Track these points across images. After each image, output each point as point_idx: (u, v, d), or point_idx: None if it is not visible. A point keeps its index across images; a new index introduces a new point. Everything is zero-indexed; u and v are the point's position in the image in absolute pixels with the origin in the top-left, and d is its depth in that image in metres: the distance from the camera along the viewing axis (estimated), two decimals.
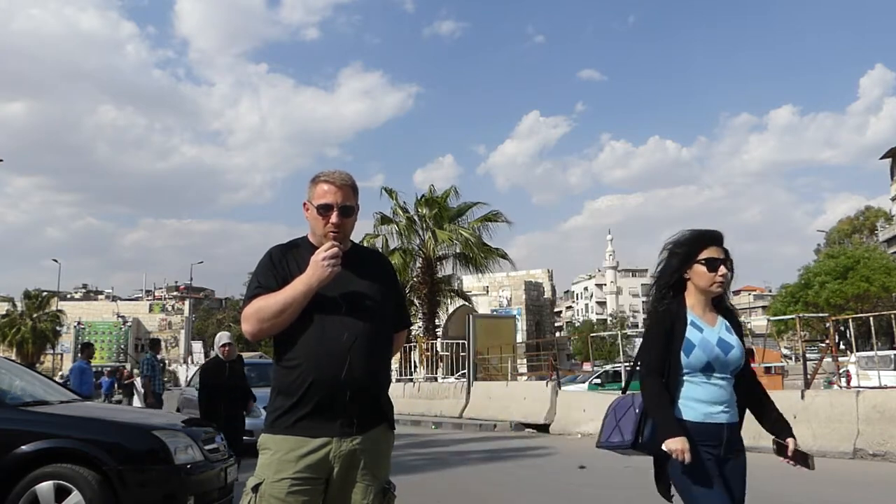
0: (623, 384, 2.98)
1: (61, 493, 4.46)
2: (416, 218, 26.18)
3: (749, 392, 2.74)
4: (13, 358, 37.51)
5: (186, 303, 78.24)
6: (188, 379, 19.11)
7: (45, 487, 4.47)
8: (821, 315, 27.77)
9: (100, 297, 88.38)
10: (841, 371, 14.83)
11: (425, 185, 56.08)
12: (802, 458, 2.63)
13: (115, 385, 22.29)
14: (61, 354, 65.00)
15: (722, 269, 2.67)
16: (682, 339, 2.61)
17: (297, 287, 2.19)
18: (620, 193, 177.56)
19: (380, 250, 22.51)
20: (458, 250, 25.77)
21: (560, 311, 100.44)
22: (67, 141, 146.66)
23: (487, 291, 54.36)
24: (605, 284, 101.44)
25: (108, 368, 29.05)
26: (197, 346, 71.70)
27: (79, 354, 14.28)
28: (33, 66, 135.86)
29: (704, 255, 2.67)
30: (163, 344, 48.61)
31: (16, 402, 5.29)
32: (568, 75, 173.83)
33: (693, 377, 2.61)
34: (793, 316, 24.27)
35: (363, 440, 2.21)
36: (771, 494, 6.47)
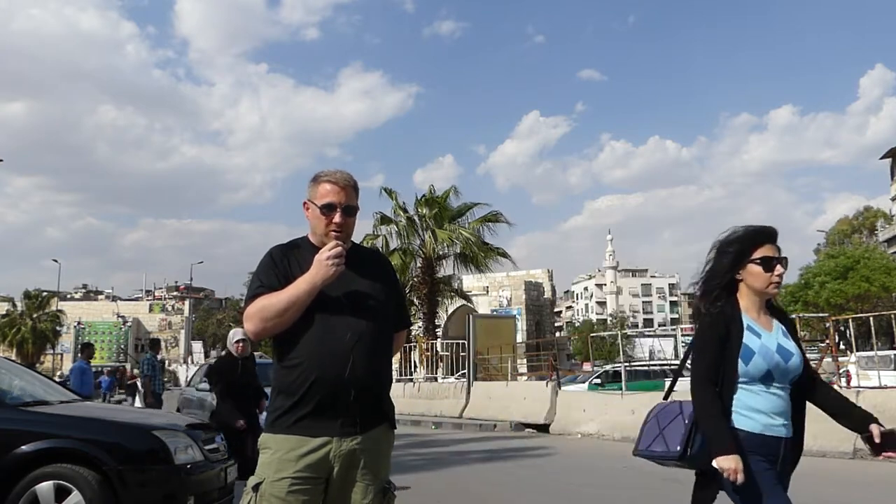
0: (666, 389, 2.78)
1: (61, 493, 4.45)
2: (415, 218, 26.17)
3: (824, 396, 2.56)
4: (13, 358, 37.51)
5: (186, 303, 78.33)
6: (188, 379, 19.10)
7: (45, 487, 4.46)
8: (821, 315, 27.78)
9: (100, 297, 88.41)
10: (841, 371, 14.81)
11: (425, 185, 56.23)
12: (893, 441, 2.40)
13: (117, 385, 22.30)
14: (61, 354, 65.03)
15: (779, 269, 2.50)
16: (738, 345, 2.43)
17: (301, 286, 2.19)
18: (620, 193, 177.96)
19: (380, 250, 22.51)
20: (458, 250, 25.78)
21: (560, 311, 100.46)
22: (67, 141, 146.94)
23: (487, 291, 54.39)
24: (605, 284, 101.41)
25: (108, 368, 29.05)
26: (197, 346, 71.81)
27: (79, 354, 14.28)
28: (33, 66, 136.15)
29: (759, 253, 2.49)
30: (163, 344, 48.68)
31: (16, 402, 5.29)
32: (568, 75, 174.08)
33: (750, 386, 2.43)
34: (793, 316, 24.17)
35: (363, 440, 2.21)
36: None
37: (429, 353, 23.00)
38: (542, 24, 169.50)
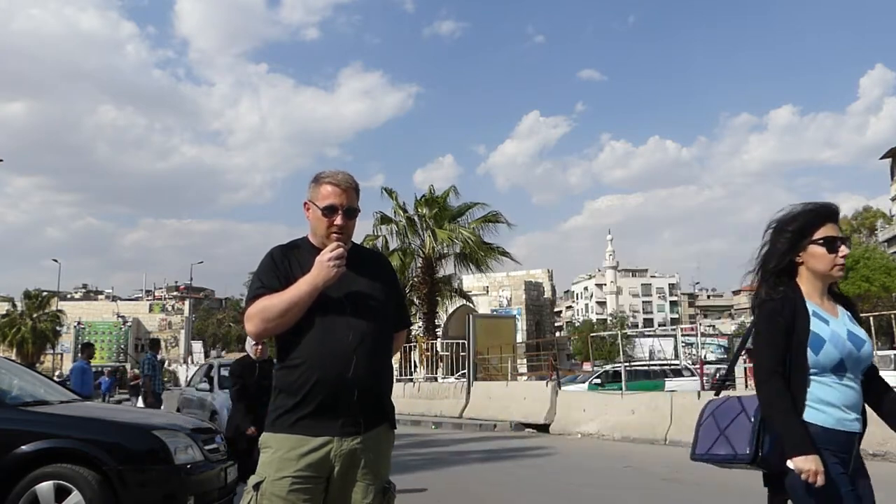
0: (717, 384, 2.62)
1: (61, 493, 4.45)
2: (415, 218, 26.18)
3: (880, 393, 2.36)
4: (13, 358, 37.51)
5: (186, 303, 78.27)
6: (188, 379, 19.10)
7: (45, 487, 4.46)
8: None
9: (100, 297, 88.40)
10: None
11: (425, 185, 56.20)
12: None
13: (117, 385, 22.32)
14: (61, 354, 64.99)
15: (843, 250, 2.30)
16: (806, 333, 2.22)
17: (302, 287, 2.20)
18: (620, 193, 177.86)
19: (380, 251, 22.53)
20: (457, 250, 25.78)
21: (560, 311, 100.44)
22: (67, 141, 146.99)
23: (487, 291, 54.36)
24: (605, 284, 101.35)
25: (108, 368, 29.07)
26: (197, 346, 71.75)
27: (79, 354, 14.29)
28: (33, 66, 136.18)
29: (821, 233, 2.29)
30: (163, 344, 48.68)
31: (16, 402, 5.29)
32: (568, 75, 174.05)
33: (822, 377, 2.23)
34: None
35: (364, 439, 2.22)
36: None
37: (429, 353, 23.00)
38: (542, 24, 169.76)
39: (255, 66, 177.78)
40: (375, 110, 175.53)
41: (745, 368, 19.02)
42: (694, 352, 24.27)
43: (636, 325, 77.85)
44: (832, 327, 2.25)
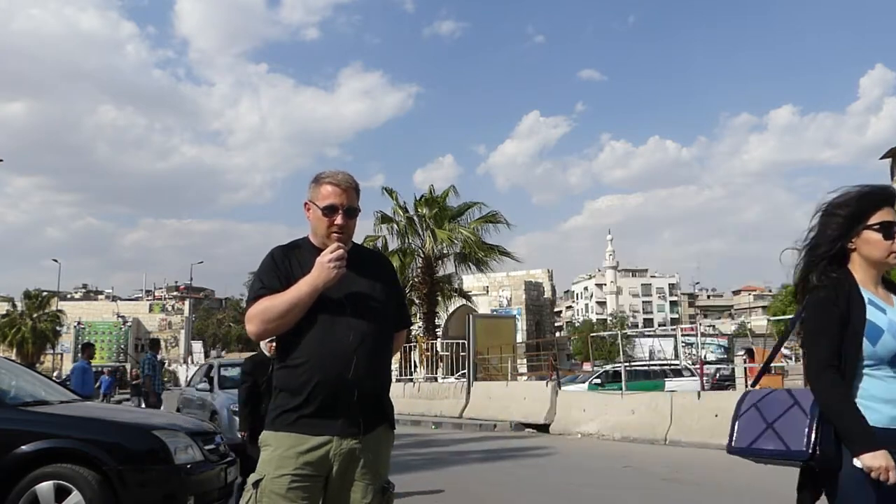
0: (754, 376, 2.35)
1: (61, 493, 4.45)
2: (415, 218, 26.20)
3: None
4: (13, 358, 37.52)
5: (186, 303, 78.28)
6: (188, 379, 19.10)
7: (45, 487, 4.46)
8: None
9: (100, 297, 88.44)
10: None
11: (425, 185, 56.15)
12: None
13: (116, 385, 22.31)
14: (61, 354, 64.98)
15: None
16: (862, 322, 2.07)
17: (303, 288, 2.21)
18: (620, 193, 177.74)
19: (381, 251, 22.53)
20: (457, 250, 25.79)
21: (560, 311, 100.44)
22: (67, 141, 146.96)
23: (487, 291, 54.36)
24: (605, 284, 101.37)
25: (108, 368, 29.05)
26: (197, 346, 71.74)
27: (79, 354, 14.30)
28: (33, 66, 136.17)
29: (877, 218, 2.14)
30: (163, 344, 48.67)
31: (16, 402, 5.30)
32: (568, 75, 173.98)
33: (877, 370, 2.08)
34: (793, 316, 24.21)
35: (363, 439, 2.23)
36: (769, 493, 6.46)
37: (429, 353, 23.01)
38: (542, 24, 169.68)
39: (255, 66, 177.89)
40: (375, 110, 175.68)
41: (746, 369, 19.04)
42: (694, 352, 24.25)
43: (636, 325, 77.82)
44: (889, 316, 2.11)
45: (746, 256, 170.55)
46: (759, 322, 54.41)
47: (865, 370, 2.08)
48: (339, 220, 2.30)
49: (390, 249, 25.65)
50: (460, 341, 21.48)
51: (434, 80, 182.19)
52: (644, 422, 11.85)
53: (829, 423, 2.04)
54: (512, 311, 48.93)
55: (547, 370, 16.76)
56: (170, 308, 77.86)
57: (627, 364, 19.65)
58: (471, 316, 20.59)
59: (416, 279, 26.14)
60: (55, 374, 45.12)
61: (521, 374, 20.95)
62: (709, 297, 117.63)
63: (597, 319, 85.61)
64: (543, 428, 13.78)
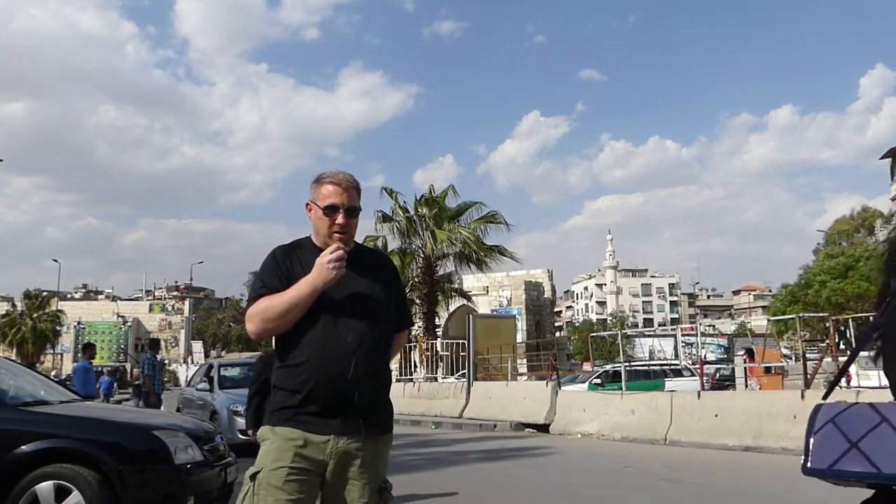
0: (828, 387, 2.13)
1: (61, 493, 4.45)
2: (415, 218, 26.21)
3: None
4: (13, 358, 37.52)
5: (186, 303, 78.28)
6: (188, 379, 19.10)
7: (45, 487, 4.46)
8: (821, 315, 27.76)
9: (100, 297, 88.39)
10: None
11: (425, 185, 56.09)
12: None
13: (116, 385, 22.31)
14: (61, 354, 65.00)
15: None
16: None
17: (303, 288, 2.21)
18: (620, 193, 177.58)
19: (382, 251, 22.51)
20: (457, 250, 25.80)
21: (560, 311, 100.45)
22: (67, 141, 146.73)
23: (487, 291, 54.35)
24: (605, 284, 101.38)
25: (108, 368, 29.07)
26: (197, 346, 71.77)
27: (79, 354, 14.30)
28: (33, 66, 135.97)
29: None
30: (163, 344, 48.71)
31: (16, 402, 5.30)
32: (568, 75, 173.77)
33: None
34: (793, 316, 24.21)
35: (362, 439, 2.23)
36: (771, 494, 6.47)
37: (429, 353, 23.02)
38: (542, 24, 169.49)
39: (255, 66, 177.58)
40: (375, 110, 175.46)
41: (746, 369, 19.05)
42: (694, 352, 24.25)
43: (636, 325, 77.84)
44: None
45: (746, 256, 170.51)
46: (759, 322, 54.37)
47: None
48: (340, 219, 2.31)
49: (390, 249, 25.67)
50: (460, 341, 21.48)
51: (434, 80, 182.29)
52: (644, 422, 11.86)
53: None
54: (512, 311, 48.90)
55: (547, 370, 16.77)
56: (170, 308, 77.85)
57: (627, 364, 19.64)
58: (471, 316, 20.59)
59: (416, 279, 26.15)
60: (53, 373, 45.12)
61: (521, 374, 20.94)
62: (709, 297, 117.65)
63: (597, 319, 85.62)
64: (543, 428, 13.78)
